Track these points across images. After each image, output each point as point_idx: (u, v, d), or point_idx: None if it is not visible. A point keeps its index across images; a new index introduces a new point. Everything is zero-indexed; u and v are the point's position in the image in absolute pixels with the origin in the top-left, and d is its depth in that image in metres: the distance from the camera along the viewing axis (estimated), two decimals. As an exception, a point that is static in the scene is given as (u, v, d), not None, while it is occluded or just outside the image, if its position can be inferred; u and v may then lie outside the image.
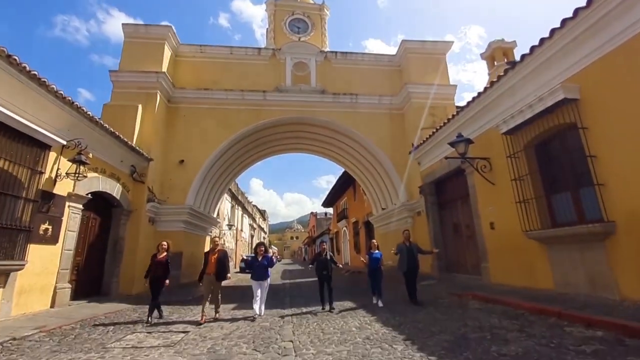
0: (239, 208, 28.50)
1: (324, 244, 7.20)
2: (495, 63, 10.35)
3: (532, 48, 5.76)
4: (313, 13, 14.82)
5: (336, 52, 13.63)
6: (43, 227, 6.42)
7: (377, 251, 7.14)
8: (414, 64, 12.86)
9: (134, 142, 9.76)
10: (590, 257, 5.01)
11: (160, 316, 5.98)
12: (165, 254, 5.99)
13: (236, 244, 27.05)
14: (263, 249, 6.37)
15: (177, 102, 11.97)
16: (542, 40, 5.55)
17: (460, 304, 6.16)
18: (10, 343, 4.39)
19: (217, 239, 6.48)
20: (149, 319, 5.60)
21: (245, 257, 9.63)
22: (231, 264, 24.00)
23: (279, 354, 3.67)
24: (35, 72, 5.64)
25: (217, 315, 5.90)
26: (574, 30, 5.11)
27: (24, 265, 5.82)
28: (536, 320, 4.45)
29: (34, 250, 6.11)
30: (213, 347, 4.05)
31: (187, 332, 4.90)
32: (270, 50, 13.25)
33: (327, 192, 29.09)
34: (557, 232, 5.50)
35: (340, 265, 7.31)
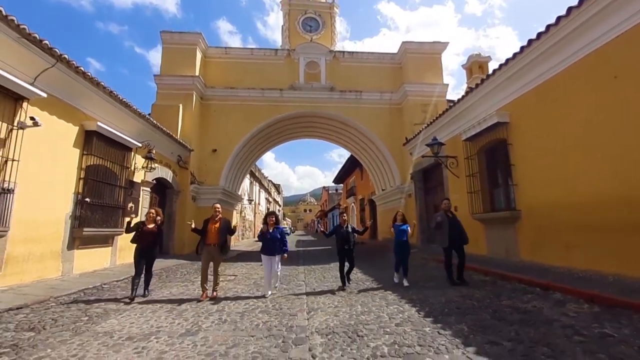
0: (257, 184, 31.33)
1: (344, 215, 6.34)
2: (473, 74, 12.08)
3: (482, 80, 7.73)
4: (324, 12, 16.43)
5: (344, 52, 15.42)
6: (129, 205, 9.03)
7: (404, 223, 6.30)
8: (412, 63, 14.58)
9: (178, 136, 12.23)
10: (507, 234, 7.31)
11: (145, 292, 5.35)
12: (153, 224, 5.40)
13: (254, 216, 30.21)
14: (274, 219, 5.55)
15: (208, 99, 14.27)
16: (488, 76, 7.52)
17: (424, 264, 8.63)
18: (130, 279, 7.14)
19: (217, 205, 5.61)
20: (145, 292, 5.28)
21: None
22: (250, 233, 27.23)
23: (296, 284, 6.26)
24: (125, 99, 8.04)
25: (215, 293, 5.18)
26: (508, 71, 7.05)
27: (122, 231, 8.54)
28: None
29: (125, 221, 8.82)
30: (255, 282, 6.68)
31: (236, 275, 7.58)
32: (285, 51, 15.16)
33: (338, 166, 31.36)
34: (489, 216, 7.79)
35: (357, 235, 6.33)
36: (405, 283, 5.89)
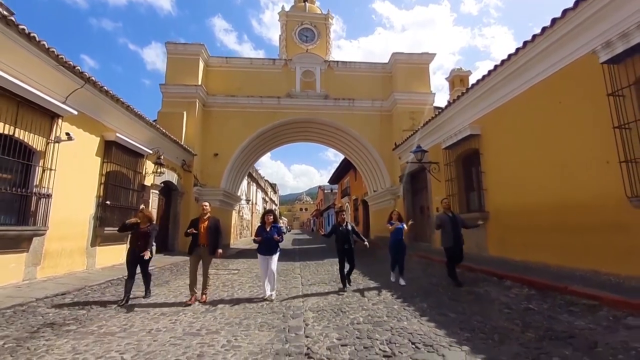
0: (254, 184, 32.19)
1: (343, 213, 6.31)
2: (455, 87, 13.11)
3: (458, 96, 8.72)
4: (319, 23, 17.34)
5: (337, 62, 16.35)
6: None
7: (399, 222, 6.37)
8: (402, 73, 15.56)
9: (183, 142, 13.11)
10: (478, 232, 8.30)
11: (147, 294, 5.31)
12: (147, 224, 5.33)
13: (252, 215, 31.10)
14: (272, 217, 5.44)
15: (210, 106, 15.14)
16: (462, 94, 8.52)
17: (407, 259, 9.58)
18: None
19: (205, 204, 5.54)
20: (146, 293, 5.24)
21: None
22: (247, 232, 28.14)
23: (293, 277, 7.22)
24: (139, 112, 8.93)
25: (205, 297, 5.01)
26: (479, 90, 8.05)
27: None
28: (437, 265, 7.89)
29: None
30: (256, 275, 7.63)
31: (239, 269, 8.51)
32: (282, 61, 16.06)
33: (334, 164, 32.25)
34: (464, 216, 8.78)
35: (364, 240, 6.38)
36: (402, 282, 5.85)
